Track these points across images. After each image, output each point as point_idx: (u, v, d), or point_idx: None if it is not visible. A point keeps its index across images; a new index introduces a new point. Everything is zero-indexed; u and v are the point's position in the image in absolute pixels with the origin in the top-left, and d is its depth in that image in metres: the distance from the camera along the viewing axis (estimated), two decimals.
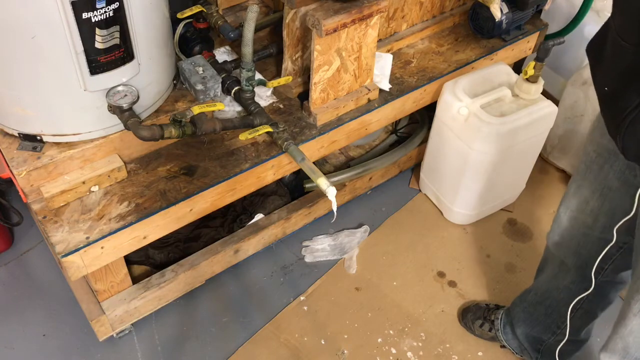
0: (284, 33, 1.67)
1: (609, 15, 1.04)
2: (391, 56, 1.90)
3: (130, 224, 1.47)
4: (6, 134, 1.50)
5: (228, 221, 1.97)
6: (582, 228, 1.35)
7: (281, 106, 1.79)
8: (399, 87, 1.89)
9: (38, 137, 1.47)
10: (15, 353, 1.76)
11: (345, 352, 1.79)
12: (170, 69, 1.62)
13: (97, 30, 1.30)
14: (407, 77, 1.93)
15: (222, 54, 1.85)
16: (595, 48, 1.10)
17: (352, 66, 1.71)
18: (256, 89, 1.68)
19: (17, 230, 2.04)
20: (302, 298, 1.91)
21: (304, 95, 1.79)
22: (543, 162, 2.33)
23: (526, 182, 2.17)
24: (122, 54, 1.38)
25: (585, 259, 1.36)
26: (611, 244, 1.20)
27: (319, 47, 1.58)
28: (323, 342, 1.81)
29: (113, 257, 1.51)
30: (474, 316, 1.84)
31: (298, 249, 2.04)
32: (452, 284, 1.98)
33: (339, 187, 2.03)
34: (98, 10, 1.26)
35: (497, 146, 1.84)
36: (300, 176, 2.07)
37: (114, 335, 1.76)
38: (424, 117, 2.23)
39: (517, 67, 2.35)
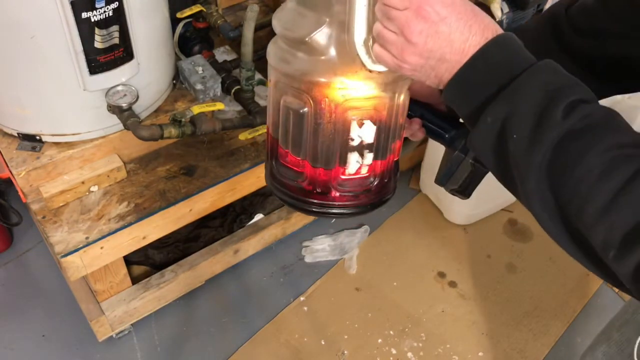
0: None
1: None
2: None
3: (130, 224, 1.46)
4: (5, 134, 1.50)
5: (228, 221, 1.96)
6: None
7: None
8: None
9: (37, 137, 1.47)
10: (14, 353, 1.76)
11: (346, 352, 1.79)
12: (170, 69, 1.61)
13: (97, 30, 1.29)
14: None
15: (222, 54, 1.85)
16: None
17: None
18: (256, 89, 1.68)
19: (16, 231, 2.04)
20: (302, 298, 1.91)
21: None
22: None
23: None
24: (122, 53, 1.37)
25: None
26: None
27: None
28: (323, 343, 1.81)
29: (112, 258, 1.50)
30: None
31: (298, 249, 2.03)
32: (452, 284, 1.98)
33: None
34: (97, 10, 1.26)
35: None
36: None
37: (114, 335, 1.75)
38: None
39: None
